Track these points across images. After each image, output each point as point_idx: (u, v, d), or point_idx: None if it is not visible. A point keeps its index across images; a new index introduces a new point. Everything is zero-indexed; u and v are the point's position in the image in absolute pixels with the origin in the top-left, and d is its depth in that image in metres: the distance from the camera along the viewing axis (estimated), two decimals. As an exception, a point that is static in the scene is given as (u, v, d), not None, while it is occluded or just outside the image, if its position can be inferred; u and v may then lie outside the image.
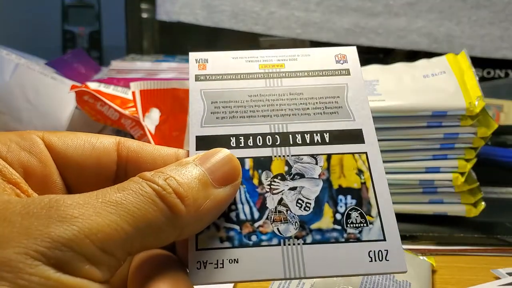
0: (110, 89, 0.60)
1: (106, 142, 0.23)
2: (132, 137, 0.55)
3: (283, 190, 0.24)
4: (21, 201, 0.18)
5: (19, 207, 0.17)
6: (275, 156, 0.25)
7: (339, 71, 0.28)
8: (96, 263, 0.17)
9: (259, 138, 0.25)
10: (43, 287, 0.16)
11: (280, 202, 0.23)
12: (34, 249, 0.16)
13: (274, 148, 0.25)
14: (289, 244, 0.22)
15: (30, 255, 0.16)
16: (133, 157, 0.23)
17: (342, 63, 0.28)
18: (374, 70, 0.56)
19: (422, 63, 0.56)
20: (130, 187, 0.19)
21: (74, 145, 0.23)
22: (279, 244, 0.22)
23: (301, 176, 0.24)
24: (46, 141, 0.22)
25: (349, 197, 0.24)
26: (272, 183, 0.24)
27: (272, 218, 0.23)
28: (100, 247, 0.17)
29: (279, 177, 0.24)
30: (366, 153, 0.25)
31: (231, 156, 0.22)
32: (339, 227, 0.23)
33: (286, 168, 0.24)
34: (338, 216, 0.23)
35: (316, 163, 0.24)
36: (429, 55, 0.61)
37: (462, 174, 0.49)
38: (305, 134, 0.25)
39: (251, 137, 0.25)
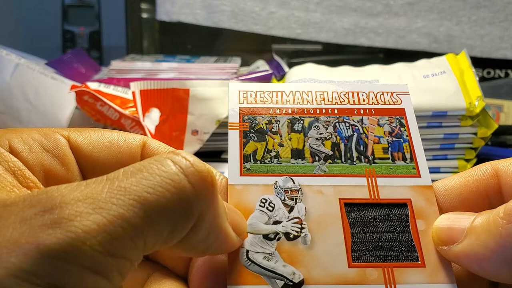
0: (110, 89, 0.60)
1: (133, 143, 0.22)
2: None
3: None
4: (17, 204, 0.16)
5: (15, 212, 0.15)
6: None
7: None
8: (101, 271, 0.15)
9: None
10: None
11: None
12: (23, 269, 0.14)
13: None
14: None
15: (20, 277, 0.14)
16: None
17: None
18: (374, 70, 0.56)
19: (422, 63, 0.56)
20: (147, 168, 0.16)
21: (100, 146, 0.21)
22: None
23: None
24: (72, 141, 0.21)
25: None
26: None
27: None
28: (103, 251, 0.15)
29: None
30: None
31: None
32: None
33: None
34: None
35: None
36: (429, 55, 0.61)
37: (462, 174, 0.49)
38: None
39: None
